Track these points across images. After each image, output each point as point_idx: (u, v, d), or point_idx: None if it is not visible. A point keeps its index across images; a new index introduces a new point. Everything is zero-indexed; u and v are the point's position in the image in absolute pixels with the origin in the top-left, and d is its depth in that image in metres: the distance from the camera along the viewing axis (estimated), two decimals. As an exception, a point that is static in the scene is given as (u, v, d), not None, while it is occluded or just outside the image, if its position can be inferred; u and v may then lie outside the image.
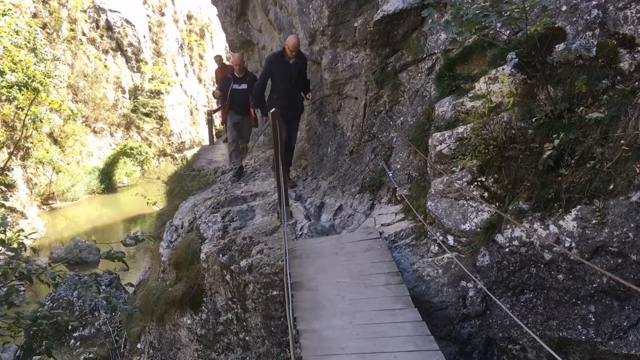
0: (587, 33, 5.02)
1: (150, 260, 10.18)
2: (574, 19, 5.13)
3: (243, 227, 7.10)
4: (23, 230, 4.22)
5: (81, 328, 10.37)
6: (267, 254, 6.18)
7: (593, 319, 4.42)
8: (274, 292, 5.96)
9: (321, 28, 7.75)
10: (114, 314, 10.46)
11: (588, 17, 5.02)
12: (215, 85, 15.85)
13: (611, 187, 4.30)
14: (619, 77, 4.71)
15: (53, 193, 22.76)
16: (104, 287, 8.44)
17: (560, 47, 5.14)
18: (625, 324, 4.29)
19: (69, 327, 4.53)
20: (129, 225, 21.37)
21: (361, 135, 7.57)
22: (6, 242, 3.96)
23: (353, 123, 7.77)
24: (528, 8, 4.80)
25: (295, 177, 8.66)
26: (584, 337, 4.45)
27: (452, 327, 5.19)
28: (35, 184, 22.42)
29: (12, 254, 3.77)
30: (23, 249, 3.91)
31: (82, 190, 24.13)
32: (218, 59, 15.11)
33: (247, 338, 6.43)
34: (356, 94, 7.60)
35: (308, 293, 5.08)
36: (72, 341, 10.11)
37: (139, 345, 8.61)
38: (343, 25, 7.50)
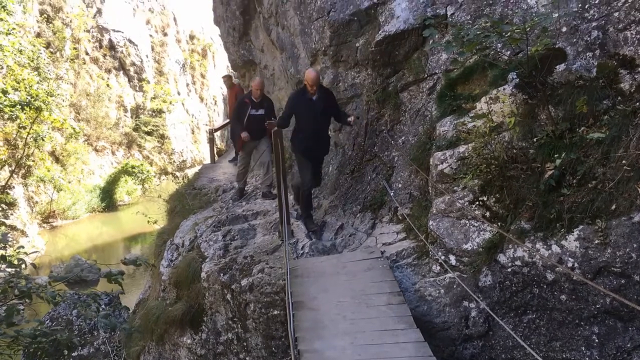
0: (587, 54, 5.06)
1: (151, 279, 10.13)
2: (574, 40, 5.17)
3: (244, 246, 7.08)
4: (23, 247, 4.21)
5: (80, 347, 10.27)
6: (268, 273, 6.16)
7: (597, 340, 4.39)
8: (275, 312, 5.92)
9: (323, 48, 7.81)
10: (113, 333, 10.38)
11: (588, 38, 5.06)
12: (225, 105, 15.72)
13: (613, 207, 4.30)
14: (619, 98, 4.74)
15: (54, 211, 22.73)
16: (103, 306, 8.40)
17: (560, 67, 5.17)
18: (629, 345, 4.26)
19: (69, 345, 4.48)
20: (129, 244, 21.30)
21: (362, 155, 7.59)
22: (6, 259, 3.95)
23: (354, 142, 7.79)
24: (529, 29, 4.85)
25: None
26: (587, 359, 4.41)
27: (455, 348, 5.14)
28: (36, 202, 22.41)
29: (12, 270, 3.75)
30: (23, 265, 3.89)
31: (83, 208, 24.10)
32: (227, 79, 14.70)
33: (247, 358, 6.37)
34: (357, 114, 7.63)
35: (309, 313, 5.05)
36: (71, 360, 10.02)
37: (138, 365, 8.53)
38: (345, 45, 7.55)
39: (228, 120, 16.66)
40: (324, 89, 7.12)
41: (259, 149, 8.94)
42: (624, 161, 4.31)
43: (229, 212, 8.34)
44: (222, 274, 6.50)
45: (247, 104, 8.63)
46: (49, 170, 22.99)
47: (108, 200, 25.65)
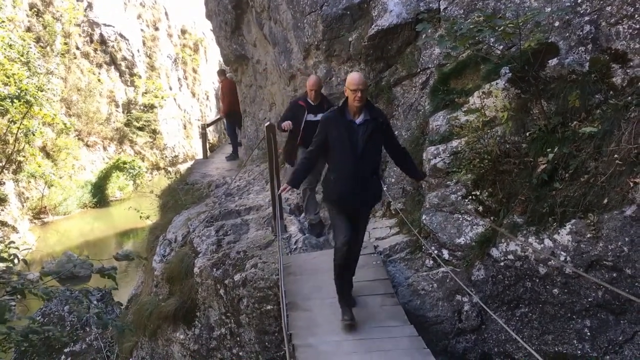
0: (579, 48, 5.08)
1: (143, 275, 10.10)
2: (567, 34, 5.18)
3: (237, 241, 7.07)
4: (14, 242, 4.17)
5: (72, 343, 10.23)
6: (262, 268, 6.15)
7: (588, 334, 4.41)
8: (268, 307, 5.92)
9: (316, 42, 7.79)
10: (105, 329, 10.35)
11: (581, 33, 5.08)
12: (219, 97, 15.62)
13: (605, 201, 4.32)
14: (611, 92, 4.76)
15: (45, 207, 22.58)
16: (95, 302, 8.36)
17: (553, 62, 5.19)
18: (620, 338, 4.28)
19: (65, 343, 4.46)
20: (121, 240, 21.21)
21: (355, 149, 7.57)
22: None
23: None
24: (521, 23, 4.85)
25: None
26: (579, 352, 4.44)
27: (448, 341, 5.16)
28: (27, 197, 22.25)
29: (4, 266, 3.72)
30: (15, 261, 3.85)
31: (74, 204, 23.96)
32: (221, 73, 14.41)
33: (240, 353, 6.36)
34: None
35: (303, 313, 5.06)
36: (63, 357, 9.97)
37: (130, 361, 8.51)
38: (337, 39, 7.53)
39: (219, 116, 16.44)
40: (376, 111, 4.86)
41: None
42: (616, 155, 4.33)
43: (222, 207, 8.31)
44: (215, 269, 6.49)
45: (303, 107, 6.86)
46: (39, 166, 22.82)
47: (99, 195, 25.51)
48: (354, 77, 4.75)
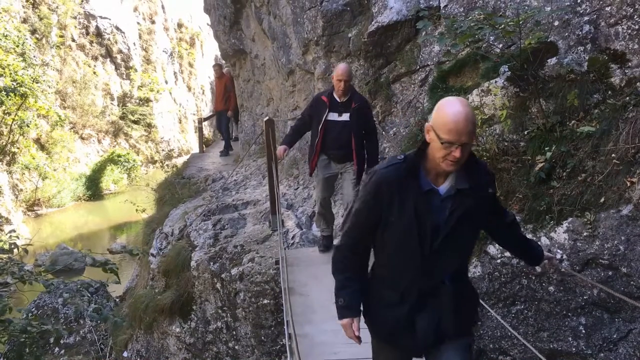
0: (578, 48, 5.10)
1: (139, 268, 10.10)
2: (566, 34, 5.21)
3: (234, 235, 7.08)
4: (14, 231, 4.18)
5: (66, 336, 10.23)
6: (259, 262, 6.17)
7: (583, 331, 4.45)
8: (265, 301, 5.95)
9: (315, 38, 7.79)
10: (99, 321, 10.34)
11: (580, 33, 5.11)
12: (212, 95, 15.46)
13: (602, 200, 4.35)
14: (610, 92, 4.79)
15: (39, 199, 22.50)
16: (88, 295, 8.32)
17: (552, 61, 5.21)
18: (615, 336, 4.32)
19: (61, 336, 4.47)
20: (115, 233, 21.18)
21: (353, 145, 7.59)
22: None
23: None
24: (521, 22, 4.88)
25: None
26: (574, 349, 4.47)
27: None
28: (21, 189, 22.16)
29: (6, 257, 3.73)
30: (15, 251, 3.85)
31: (68, 196, 23.89)
32: (217, 67, 14.13)
33: (236, 347, 6.39)
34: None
35: (300, 298, 5.09)
36: (57, 349, 9.97)
37: (125, 354, 8.51)
38: (337, 35, 7.54)
39: (213, 113, 16.25)
40: (483, 169, 2.68)
41: (343, 179, 5.83)
42: (613, 155, 4.36)
43: (219, 201, 8.32)
44: (212, 263, 6.51)
45: (324, 103, 5.51)
46: (34, 158, 22.74)
47: (94, 188, 25.44)
48: (451, 120, 3.92)
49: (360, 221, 2.63)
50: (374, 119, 6.26)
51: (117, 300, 9.39)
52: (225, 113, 13.60)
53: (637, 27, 4.75)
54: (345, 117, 5.45)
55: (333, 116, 5.48)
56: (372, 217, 2.56)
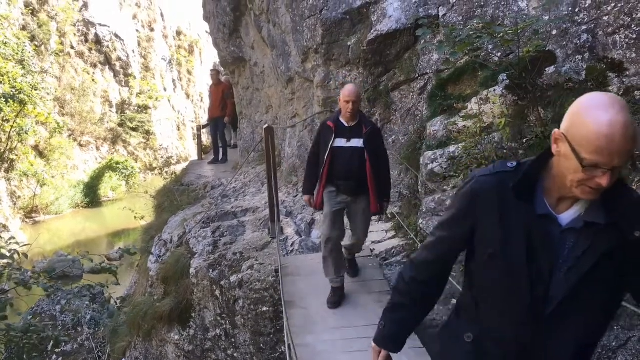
0: (576, 57, 5.14)
1: (137, 275, 10.08)
2: (564, 42, 5.25)
3: (233, 242, 7.08)
4: (14, 238, 4.19)
5: (63, 344, 10.20)
6: (258, 269, 6.16)
7: (583, 338, 4.46)
8: (264, 308, 5.93)
9: (315, 46, 7.83)
10: (97, 329, 10.31)
11: (578, 42, 5.14)
12: (208, 102, 15.35)
13: (601, 207, 4.38)
14: (608, 101, 4.82)
15: (37, 206, 22.48)
16: (89, 296, 8.30)
17: (550, 70, 5.25)
18: (614, 344, 4.33)
19: (57, 341, 4.47)
20: (113, 240, 21.14)
21: (352, 153, 7.61)
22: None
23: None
24: (520, 31, 4.92)
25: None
26: (573, 356, 4.48)
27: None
28: (19, 196, 22.15)
29: (6, 261, 3.74)
30: (16, 256, 3.86)
31: (66, 203, 23.88)
32: (214, 74, 13.97)
33: (235, 355, 6.37)
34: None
35: (300, 311, 5.09)
36: (54, 356, 9.94)
37: (123, 361, 8.49)
38: (336, 43, 7.58)
39: (206, 123, 16.03)
40: (634, 199, 1.72)
41: (353, 211, 5.09)
42: (611, 163, 4.38)
43: (218, 208, 8.33)
44: (211, 270, 6.50)
45: (330, 129, 4.91)
46: (32, 165, 22.75)
47: (92, 195, 25.44)
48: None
49: (442, 238, 1.93)
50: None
51: (118, 301, 9.26)
52: (222, 120, 13.61)
53: (634, 36, 4.79)
54: (356, 142, 4.85)
55: (340, 142, 4.87)
56: (458, 239, 1.87)
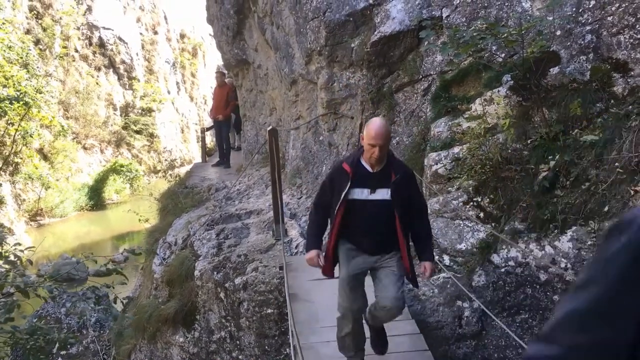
0: (581, 57, 5.13)
1: (142, 278, 10.10)
2: (568, 43, 5.24)
3: (238, 244, 7.09)
4: (20, 244, 4.21)
5: (69, 347, 10.20)
6: (262, 271, 6.17)
7: (588, 340, 4.44)
8: (269, 310, 5.94)
9: (318, 48, 7.83)
10: (102, 331, 10.33)
11: (582, 42, 5.13)
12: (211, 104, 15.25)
13: (606, 208, 4.36)
14: (612, 101, 4.81)
15: (41, 209, 22.55)
16: (95, 298, 8.30)
17: (554, 70, 5.24)
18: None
19: (64, 344, 4.48)
20: (117, 243, 21.18)
21: (356, 155, 7.61)
22: (2, 255, 3.94)
23: (349, 142, 7.82)
24: (524, 32, 4.91)
25: None
26: (579, 358, 4.46)
27: (448, 347, 5.17)
28: (24, 199, 22.22)
29: (9, 267, 3.75)
30: (19, 262, 3.88)
31: (71, 206, 23.94)
32: (219, 75, 13.84)
33: (240, 357, 6.37)
34: (352, 114, 7.66)
35: (304, 304, 5.10)
36: (60, 359, 9.95)
37: (128, 364, 8.50)
38: (340, 45, 7.58)
39: (211, 125, 15.79)
40: None
41: (379, 271, 3.92)
42: (616, 163, 4.37)
43: (222, 210, 8.34)
44: (215, 273, 6.51)
45: (346, 174, 3.77)
46: (37, 168, 22.83)
47: (96, 198, 25.51)
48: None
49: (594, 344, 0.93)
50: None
51: (124, 301, 9.18)
52: (226, 122, 13.59)
53: (639, 36, 4.78)
54: (382, 194, 3.73)
55: (360, 193, 3.74)
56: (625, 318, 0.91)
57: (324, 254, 3.92)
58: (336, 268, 4.00)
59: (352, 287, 3.87)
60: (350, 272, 3.85)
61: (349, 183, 3.71)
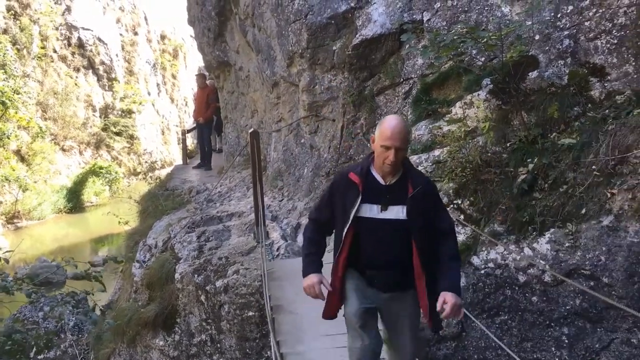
0: (559, 62, 5.20)
1: (121, 281, 10.00)
2: (547, 47, 5.31)
3: (219, 247, 7.05)
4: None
5: (46, 350, 10.05)
6: (244, 274, 6.15)
7: (566, 341, 4.50)
8: (250, 313, 5.92)
9: (300, 51, 7.83)
10: (80, 335, 10.19)
11: (560, 47, 5.21)
12: (192, 106, 15.17)
13: (583, 211, 4.42)
14: (589, 105, 4.89)
15: (19, 212, 22.21)
16: (73, 302, 8.20)
17: (533, 74, 5.31)
18: (597, 346, 4.37)
19: (47, 346, 4.41)
20: (96, 246, 20.94)
21: (338, 157, 7.63)
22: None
23: (330, 145, 7.82)
24: (503, 36, 4.97)
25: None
26: (557, 359, 4.52)
27: (429, 348, 5.20)
28: (1, 202, 21.87)
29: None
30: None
31: (49, 209, 23.60)
32: (200, 77, 14.02)
33: (221, 360, 6.35)
34: (333, 116, 7.67)
35: (289, 316, 5.06)
36: (37, 363, 9.80)
37: (107, 368, 8.40)
38: (322, 48, 7.59)
39: (194, 124, 15.73)
40: None
41: (393, 315, 3.36)
42: (593, 166, 4.44)
43: (203, 213, 8.29)
44: (196, 275, 6.46)
45: (354, 186, 3.14)
46: (14, 170, 22.48)
47: (75, 201, 25.18)
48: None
49: None
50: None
51: (103, 308, 9.13)
52: (207, 124, 13.57)
53: (615, 41, 4.86)
54: (396, 212, 3.09)
55: (369, 211, 3.12)
56: None
57: (325, 289, 3.27)
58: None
59: (365, 323, 3.18)
60: (359, 307, 3.19)
61: (360, 198, 3.08)
